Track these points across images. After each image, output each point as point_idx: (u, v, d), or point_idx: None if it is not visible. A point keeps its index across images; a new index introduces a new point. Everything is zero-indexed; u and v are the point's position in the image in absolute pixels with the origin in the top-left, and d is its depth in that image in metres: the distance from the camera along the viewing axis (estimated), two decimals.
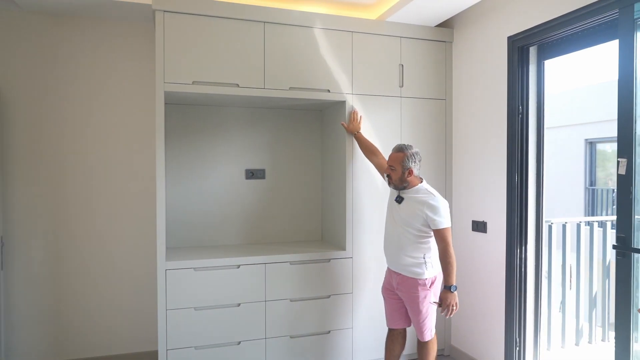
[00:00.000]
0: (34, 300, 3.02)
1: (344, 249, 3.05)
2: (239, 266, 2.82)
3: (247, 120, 3.34)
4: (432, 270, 2.51)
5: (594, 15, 2.25)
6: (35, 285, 3.02)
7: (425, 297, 2.50)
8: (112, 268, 3.17)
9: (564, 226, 3.34)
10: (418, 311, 2.52)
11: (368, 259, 3.10)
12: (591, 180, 9.07)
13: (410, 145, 2.56)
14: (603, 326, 3.53)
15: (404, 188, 2.53)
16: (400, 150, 2.52)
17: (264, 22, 2.87)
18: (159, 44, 2.67)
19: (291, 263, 2.92)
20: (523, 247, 2.79)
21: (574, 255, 3.46)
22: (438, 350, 3.35)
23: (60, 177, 3.06)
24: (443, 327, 3.36)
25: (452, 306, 2.41)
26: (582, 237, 3.40)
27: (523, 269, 2.79)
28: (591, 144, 9.14)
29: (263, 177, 3.38)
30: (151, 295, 3.21)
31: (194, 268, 2.74)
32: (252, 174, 3.35)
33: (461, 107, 3.27)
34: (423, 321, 2.54)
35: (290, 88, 2.93)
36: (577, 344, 3.42)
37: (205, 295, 2.76)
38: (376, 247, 3.07)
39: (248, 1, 3.00)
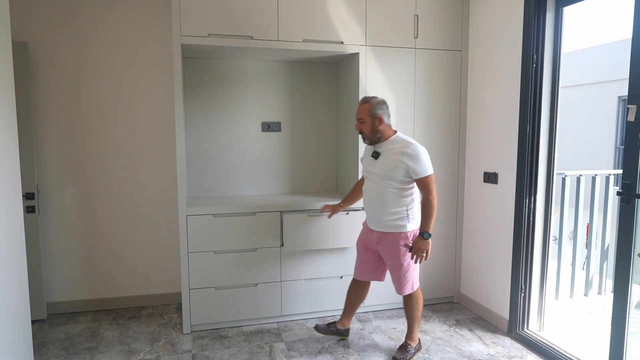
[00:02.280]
0: (68, 243, 3.28)
1: (360, 203, 3.14)
2: (255, 213, 2.97)
3: (263, 74, 3.40)
4: (414, 223, 2.50)
5: None
6: (68, 230, 3.27)
7: (405, 251, 2.49)
8: (138, 214, 3.38)
9: (578, 179, 3.32)
10: (399, 265, 2.51)
11: None
12: (622, 140, 8.78)
13: (375, 96, 2.54)
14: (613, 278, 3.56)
15: (378, 140, 2.50)
16: (366, 102, 2.50)
17: None
18: None
19: (308, 214, 3.03)
20: (532, 198, 2.82)
21: (587, 211, 3.46)
22: (447, 297, 3.49)
23: (87, 128, 3.23)
24: (453, 276, 3.47)
25: (422, 252, 2.42)
26: (597, 190, 3.38)
27: (532, 220, 2.84)
28: (624, 102, 8.79)
29: (279, 130, 3.48)
30: (175, 240, 3.42)
31: (212, 214, 2.90)
32: (268, 127, 3.44)
33: (477, 58, 3.23)
34: (404, 275, 2.53)
35: (304, 40, 2.96)
36: (585, 295, 3.48)
37: (224, 239, 2.93)
38: None
39: None
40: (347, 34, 3.04)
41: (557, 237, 3.42)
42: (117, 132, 3.28)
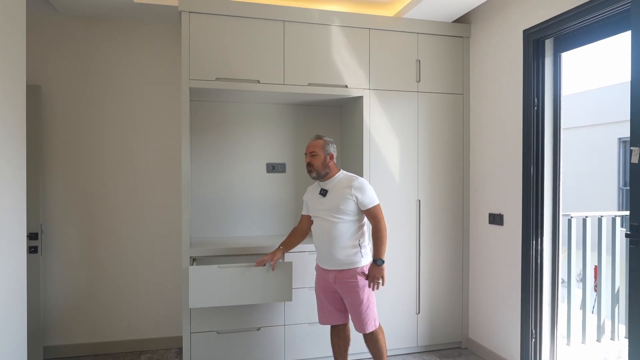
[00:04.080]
0: (69, 285, 3.23)
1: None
2: (259, 254, 2.93)
3: (268, 116, 3.47)
4: (367, 258, 2.52)
5: (607, 6, 2.26)
6: (69, 271, 3.23)
7: (364, 285, 2.47)
8: (140, 255, 3.35)
9: (584, 220, 3.30)
10: (359, 301, 2.47)
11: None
12: (625, 181, 8.79)
13: (325, 136, 2.65)
14: (626, 323, 3.46)
15: (325, 176, 2.55)
16: (319, 138, 2.60)
17: (284, 20, 3.00)
18: (185, 42, 2.83)
19: (309, 252, 3.01)
20: (539, 239, 2.80)
21: (595, 252, 3.41)
22: (455, 342, 3.39)
23: (93, 170, 3.26)
24: (461, 320, 3.39)
25: (378, 279, 2.42)
26: (604, 231, 3.35)
27: (539, 262, 2.80)
28: (625, 143, 8.86)
29: (284, 171, 3.50)
30: (177, 282, 3.37)
31: (215, 256, 2.87)
32: (273, 168, 3.47)
33: (478, 101, 3.29)
34: (365, 311, 2.48)
35: (309, 84, 3.04)
36: (598, 340, 3.37)
37: (227, 290, 2.88)
38: (392, 239, 3.12)
39: (268, 1, 3.12)
40: (351, 78, 3.12)
41: (565, 280, 3.36)
42: (123, 174, 3.31)
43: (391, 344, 3.19)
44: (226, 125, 3.39)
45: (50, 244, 3.19)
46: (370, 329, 2.52)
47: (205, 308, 2.84)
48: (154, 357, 3.24)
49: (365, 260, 2.51)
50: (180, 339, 3.32)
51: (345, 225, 2.48)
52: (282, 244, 2.72)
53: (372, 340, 2.56)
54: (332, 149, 2.58)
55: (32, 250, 3.01)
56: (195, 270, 2.60)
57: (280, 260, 2.70)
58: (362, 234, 2.54)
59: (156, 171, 3.36)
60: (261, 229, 3.47)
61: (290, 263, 2.72)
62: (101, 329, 3.29)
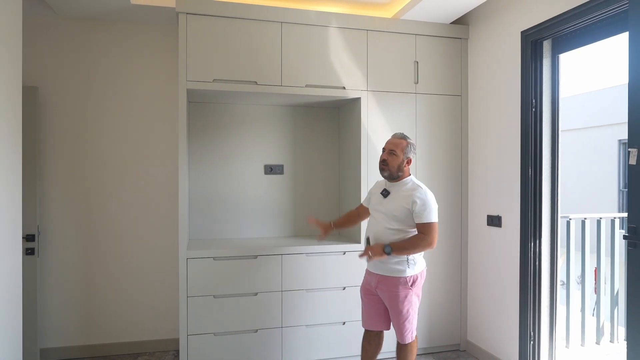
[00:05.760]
0: (66, 287, 3.22)
1: (358, 242, 3.12)
2: (256, 256, 2.93)
3: (266, 118, 3.46)
4: (414, 268, 2.41)
5: (605, 7, 2.26)
6: (67, 273, 3.22)
7: (406, 297, 2.39)
8: (138, 257, 3.34)
9: (583, 222, 3.28)
10: (399, 311, 2.41)
11: None
12: (625, 183, 8.77)
13: (409, 137, 2.53)
14: (625, 326, 3.44)
15: (396, 179, 2.46)
16: (403, 138, 2.48)
17: (281, 22, 2.99)
18: (182, 44, 2.83)
19: (307, 254, 3.01)
20: (537, 241, 2.78)
21: (595, 254, 3.40)
22: (453, 345, 3.38)
23: (90, 171, 3.26)
24: (459, 323, 3.37)
25: (369, 252, 2.34)
26: (603, 233, 3.34)
27: (537, 263, 2.79)
28: (625, 145, 8.85)
29: (281, 173, 3.49)
30: (174, 283, 3.36)
31: (213, 257, 2.86)
32: (270, 169, 3.46)
33: (476, 102, 3.29)
34: (404, 322, 2.42)
35: (307, 85, 3.03)
36: (597, 343, 3.36)
37: (224, 283, 2.88)
38: None
39: (266, 2, 3.12)
40: (349, 79, 3.11)
41: (565, 282, 3.35)
42: (121, 176, 3.30)
43: (389, 346, 3.18)
44: (223, 126, 3.38)
45: (47, 246, 3.18)
46: (407, 340, 2.46)
47: (201, 309, 2.83)
48: (151, 359, 3.22)
49: (411, 271, 2.40)
50: (177, 341, 3.31)
51: (395, 232, 2.39)
52: (334, 223, 2.79)
53: (405, 352, 2.49)
54: (412, 154, 2.47)
55: (28, 251, 3.00)
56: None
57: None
58: None
59: (154, 172, 3.36)
60: (259, 230, 3.46)
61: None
62: (98, 331, 3.28)
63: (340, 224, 2.83)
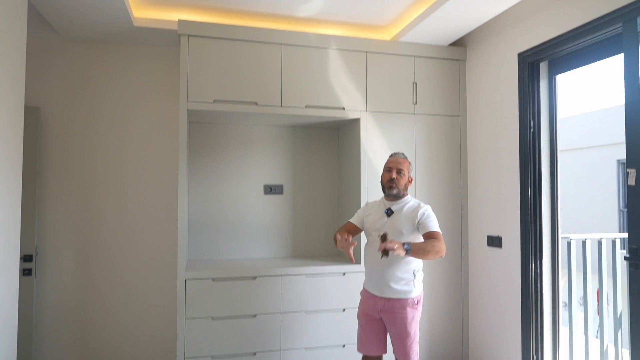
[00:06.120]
0: (62, 309, 3.18)
1: (358, 262, 3.10)
2: (255, 277, 2.90)
3: (266, 138, 3.48)
4: (419, 287, 2.42)
5: (599, 30, 2.29)
6: (64, 294, 3.19)
7: (413, 318, 2.37)
8: (135, 279, 3.30)
9: (583, 243, 3.27)
10: (407, 334, 2.36)
11: None
12: (625, 202, 8.77)
13: None
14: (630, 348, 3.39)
15: (399, 198, 2.48)
16: (406, 158, 2.53)
17: (282, 44, 3.04)
18: (183, 65, 2.86)
19: (306, 275, 2.98)
20: (538, 262, 2.77)
21: (596, 275, 3.37)
22: None
23: (90, 191, 3.26)
24: (461, 344, 3.32)
25: (389, 246, 2.09)
26: (604, 254, 3.31)
27: (539, 285, 2.76)
28: (623, 165, 8.88)
29: (281, 193, 3.49)
30: (172, 305, 3.32)
31: (212, 278, 2.84)
32: (270, 190, 3.46)
33: (475, 123, 3.31)
34: (411, 344, 2.37)
35: (307, 106, 3.06)
36: None
37: (222, 305, 2.84)
38: None
39: (266, 24, 3.17)
40: (349, 100, 3.14)
41: (567, 303, 3.31)
42: (120, 196, 3.30)
43: None
44: (224, 146, 3.39)
45: (44, 267, 3.16)
46: None
47: (198, 333, 2.79)
48: None
49: (417, 291, 2.39)
50: None
51: None
52: (347, 234, 2.49)
53: None
54: (412, 173, 2.56)
55: (26, 272, 2.98)
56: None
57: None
58: (419, 262, 2.43)
59: (153, 193, 3.35)
60: (258, 251, 3.44)
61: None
62: (94, 354, 3.22)
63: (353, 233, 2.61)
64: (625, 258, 2.12)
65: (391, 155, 2.56)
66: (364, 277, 2.60)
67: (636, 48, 2.09)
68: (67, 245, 3.21)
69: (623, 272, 3.44)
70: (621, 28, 2.17)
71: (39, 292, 3.13)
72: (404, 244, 2.16)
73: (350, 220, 2.65)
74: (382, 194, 2.61)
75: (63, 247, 3.20)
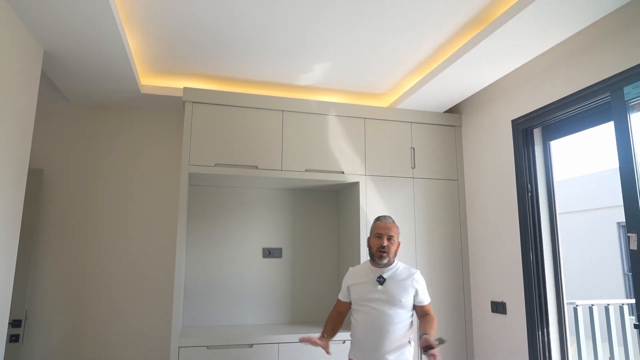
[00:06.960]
0: None
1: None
2: (252, 345, 2.79)
3: (266, 201, 3.50)
4: (411, 356, 2.34)
5: (588, 99, 2.38)
6: None
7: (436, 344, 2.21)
8: (128, 346, 3.17)
9: (590, 308, 3.18)
10: None
11: None
12: (629, 266, 8.63)
13: None
14: None
15: (388, 265, 2.38)
16: (394, 222, 2.44)
17: (283, 110, 3.14)
18: (187, 130, 2.94)
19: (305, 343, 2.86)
20: (545, 329, 2.68)
21: (606, 343, 3.25)
22: None
23: (86, 255, 3.21)
24: None
25: (438, 356, 2.01)
26: (612, 320, 3.22)
27: (547, 353, 2.65)
28: (624, 228, 8.85)
29: (280, 256, 3.45)
30: None
31: (206, 346, 2.73)
32: (269, 253, 3.42)
33: (473, 187, 3.34)
34: None
35: (306, 170, 3.11)
36: None
37: None
38: None
39: (268, 92, 3.30)
40: (348, 164, 3.19)
41: None
42: (116, 261, 3.26)
43: None
44: (223, 209, 3.40)
45: (33, 332, 3.04)
46: None
47: None
48: None
49: (410, 358, 2.32)
50: None
51: (400, 319, 2.29)
52: (325, 333, 2.43)
53: None
54: (400, 237, 2.52)
55: (12, 339, 2.86)
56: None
57: None
58: (413, 330, 2.37)
59: (150, 259, 3.31)
60: (256, 316, 3.33)
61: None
62: None
63: (332, 333, 2.48)
64: (635, 326, 2.06)
65: (378, 219, 2.45)
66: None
67: (625, 116, 2.16)
68: (57, 310, 3.11)
69: (634, 339, 3.32)
70: (609, 97, 2.26)
71: (24, 359, 2.99)
72: (434, 340, 2.05)
73: (338, 297, 2.55)
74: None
75: (54, 311, 3.10)
